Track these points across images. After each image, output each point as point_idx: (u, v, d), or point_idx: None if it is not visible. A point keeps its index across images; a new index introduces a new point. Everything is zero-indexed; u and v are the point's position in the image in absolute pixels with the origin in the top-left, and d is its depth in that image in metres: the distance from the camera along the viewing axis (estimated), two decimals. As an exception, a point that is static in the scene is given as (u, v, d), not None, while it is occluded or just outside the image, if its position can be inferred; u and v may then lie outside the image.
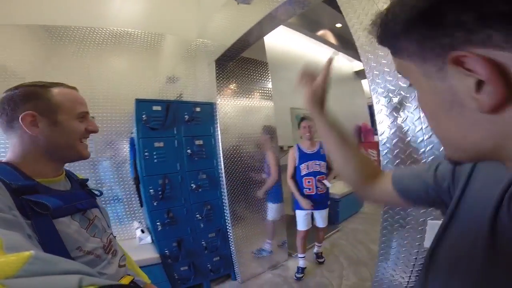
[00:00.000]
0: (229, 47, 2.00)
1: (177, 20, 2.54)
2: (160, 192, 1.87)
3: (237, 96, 2.33)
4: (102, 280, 0.24)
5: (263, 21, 1.63)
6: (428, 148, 0.85)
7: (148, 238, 2.01)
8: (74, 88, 0.72)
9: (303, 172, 2.13)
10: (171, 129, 1.95)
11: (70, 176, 0.76)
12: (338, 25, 3.99)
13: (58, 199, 0.62)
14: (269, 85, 2.57)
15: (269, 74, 2.57)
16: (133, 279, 0.75)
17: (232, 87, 2.32)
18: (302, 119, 2.22)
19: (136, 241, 2.02)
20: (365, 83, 5.71)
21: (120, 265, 0.74)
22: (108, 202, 2.07)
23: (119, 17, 2.31)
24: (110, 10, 2.30)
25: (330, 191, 2.34)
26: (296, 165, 2.17)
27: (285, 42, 3.81)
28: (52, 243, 0.58)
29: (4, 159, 0.63)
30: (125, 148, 2.12)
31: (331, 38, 4.18)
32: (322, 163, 2.14)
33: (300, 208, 2.16)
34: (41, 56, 2.02)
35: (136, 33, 2.30)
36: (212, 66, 2.22)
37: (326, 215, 2.25)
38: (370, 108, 5.35)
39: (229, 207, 2.14)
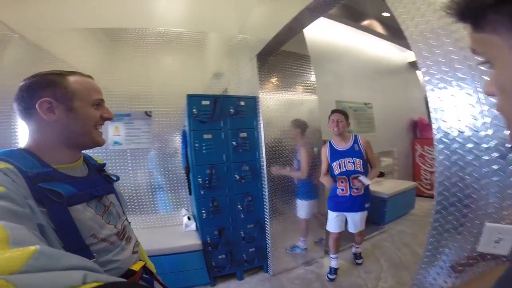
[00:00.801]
0: (269, 42, 2.03)
1: (218, 18, 2.67)
2: (207, 182, 2.02)
3: (279, 90, 2.36)
4: (106, 276, 0.23)
5: (302, 14, 1.63)
6: (492, 144, 0.77)
7: (193, 225, 2.18)
8: (89, 76, 0.72)
9: (336, 171, 2.01)
10: (218, 122, 2.09)
11: (88, 161, 0.76)
12: (385, 14, 3.67)
13: (73, 186, 0.62)
14: (312, 78, 2.53)
15: (311, 67, 2.53)
16: (145, 264, 0.76)
17: (274, 81, 2.35)
18: (332, 111, 2.07)
19: (182, 227, 2.21)
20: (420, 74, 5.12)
21: (134, 251, 0.74)
22: (157, 189, 2.33)
23: (166, 17, 2.54)
24: (157, 12, 2.53)
25: (377, 189, 2.18)
26: (329, 163, 2.06)
27: (329, 34, 3.66)
28: (67, 230, 0.57)
29: (23, 146, 0.64)
30: (176, 140, 2.34)
31: (379, 28, 3.88)
32: (357, 160, 1.95)
33: (332, 209, 2.08)
34: (102, 57, 2.33)
35: (182, 32, 2.49)
36: (254, 61, 2.28)
37: (362, 218, 2.05)
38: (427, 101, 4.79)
39: (269, 200, 2.21)
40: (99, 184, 0.72)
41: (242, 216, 2.16)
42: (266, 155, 2.19)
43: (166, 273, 1.90)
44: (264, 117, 2.22)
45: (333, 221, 2.08)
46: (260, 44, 2.15)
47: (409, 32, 0.94)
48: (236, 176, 2.13)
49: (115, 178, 0.80)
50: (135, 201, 2.30)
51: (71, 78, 0.67)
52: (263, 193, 2.24)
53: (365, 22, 3.82)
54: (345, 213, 2.06)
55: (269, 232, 2.23)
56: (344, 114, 2.04)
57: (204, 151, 2.03)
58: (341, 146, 2.03)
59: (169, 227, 2.29)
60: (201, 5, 2.67)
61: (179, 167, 2.35)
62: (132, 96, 2.30)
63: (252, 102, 2.24)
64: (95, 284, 0.21)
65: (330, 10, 1.64)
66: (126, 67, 2.29)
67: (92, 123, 0.68)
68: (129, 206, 2.28)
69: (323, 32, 3.55)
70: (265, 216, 2.25)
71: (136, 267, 0.71)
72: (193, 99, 2.05)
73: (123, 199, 0.86)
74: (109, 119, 0.72)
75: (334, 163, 2.02)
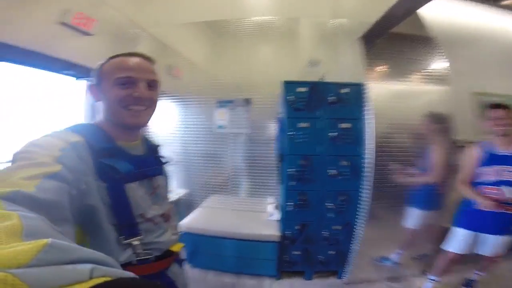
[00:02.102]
0: (375, 24, 1.78)
1: (309, 3, 2.51)
2: (299, 173, 1.91)
3: (391, 78, 1.97)
4: (114, 270, 0.23)
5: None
6: None
7: (277, 215, 2.13)
8: (138, 55, 0.68)
9: (488, 179, 1.55)
10: (315, 110, 1.92)
11: (146, 141, 0.78)
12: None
13: (131, 164, 0.65)
14: (436, 65, 2.03)
15: (435, 52, 2.03)
16: (183, 246, 0.77)
17: (383, 68, 1.98)
18: (493, 106, 1.59)
19: (265, 215, 2.19)
20: None
21: (174, 233, 0.76)
22: (248, 174, 2.43)
23: (258, 6, 2.55)
24: (250, 1, 2.59)
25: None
26: (476, 168, 1.60)
27: (461, 15, 2.90)
28: (121, 207, 0.60)
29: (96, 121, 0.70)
30: (272, 128, 2.38)
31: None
32: None
33: (464, 226, 1.64)
34: (211, 49, 2.57)
35: (273, 20, 2.47)
36: (356, 46, 1.99)
37: (506, 243, 1.59)
38: None
39: (366, 203, 1.90)
40: (152, 164, 0.73)
41: (330, 215, 1.96)
42: (371, 152, 1.83)
43: (234, 256, 1.95)
44: (372, 107, 1.86)
45: (461, 241, 1.65)
46: (361, 27, 1.91)
47: None
48: (331, 171, 1.91)
49: (166, 160, 0.82)
50: (228, 182, 2.48)
51: (113, 60, 0.67)
52: (361, 194, 1.94)
53: (507, 1, 2.91)
54: (484, 234, 1.59)
55: (357, 237, 1.95)
56: (510, 109, 1.55)
57: (298, 141, 1.93)
58: (504, 149, 1.55)
59: (252, 213, 2.32)
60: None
61: (272, 154, 2.36)
62: (235, 84, 2.47)
63: (357, 89, 1.95)
64: (102, 280, 0.20)
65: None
66: (229, 58, 2.49)
67: (117, 103, 0.65)
68: (221, 186, 2.48)
69: (451, 14, 2.84)
70: (358, 219, 1.96)
71: (176, 248, 0.72)
72: (289, 86, 1.98)
73: (168, 182, 0.87)
74: (137, 98, 0.65)
75: (487, 169, 1.56)
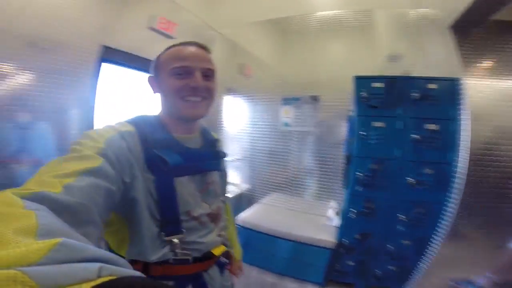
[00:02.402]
0: (466, 12, 1.46)
1: None
2: (368, 178, 1.74)
3: (496, 75, 1.60)
4: (122, 270, 0.22)
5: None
6: None
7: (336, 221, 2.00)
8: (194, 43, 0.66)
9: None
10: (394, 108, 1.70)
11: (204, 134, 0.75)
12: None
13: (182, 157, 0.61)
14: None
15: None
16: (225, 250, 0.71)
17: (485, 63, 1.62)
18: None
19: (323, 219, 2.07)
20: None
21: (219, 234, 0.70)
22: (311, 174, 2.32)
23: (325, 1, 2.40)
24: None
25: None
26: None
27: None
28: (167, 201, 0.57)
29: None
30: (340, 127, 2.22)
31: None
32: None
33: None
34: (277, 47, 2.54)
35: (342, 13, 2.30)
36: (446, 37, 1.67)
37: None
38: None
39: (453, 218, 1.60)
40: (207, 158, 0.71)
41: (401, 228, 1.72)
42: (470, 160, 1.52)
43: (282, 256, 1.90)
44: (470, 108, 1.56)
45: None
46: (449, 16, 1.61)
47: None
48: (410, 178, 1.66)
49: (223, 155, 0.78)
50: (290, 181, 2.42)
51: (169, 50, 0.66)
52: (447, 208, 1.64)
53: None
54: None
55: (431, 255, 1.67)
56: None
57: (371, 142, 1.73)
58: None
59: (310, 215, 2.22)
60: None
61: (338, 156, 2.23)
62: (302, 82, 2.41)
63: (449, 86, 1.65)
64: (108, 278, 0.20)
65: None
66: (297, 55, 2.44)
67: (173, 94, 0.62)
68: (282, 185, 2.43)
69: None
70: (436, 235, 1.68)
71: (217, 251, 0.68)
72: (361, 81, 1.81)
73: (226, 180, 0.83)
74: (193, 88, 0.62)
75: None
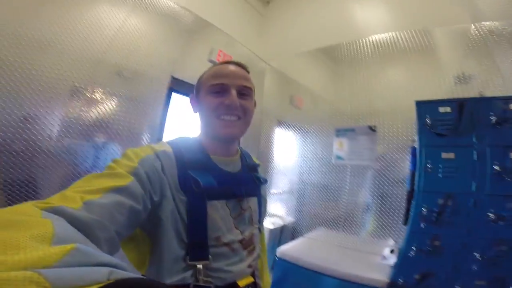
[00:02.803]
0: None
1: (436, 9, 2.10)
2: (435, 214, 1.52)
3: None
4: (130, 274, 0.23)
5: None
6: None
7: (392, 260, 1.77)
8: (233, 63, 0.67)
9: None
10: (467, 136, 1.51)
11: (244, 158, 0.73)
12: None
13: (217, 179, 0.59)
14: None
15: None
16: (252, 281, 0.65)
17: None
18: None
19: (376, 257, 1.87)
20: None
21: (249, 265, 0.65)
22: (365, 210, 2.11)
23: (374, 24, 2.34)
24: (359, 20, 2.42)
25: None
26: None
27: None
28: (197, 224, 0.55)
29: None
30: (400, 159, 2.02)
31: None
32: None
33: None
34: (326, 76, 2.52)
35: (399, 35, 2.18)
36: None
37: None
38: None
39: None
40: (245, 183, 0.68)
41: (475, 268, 1.43)
42: None
43: None
44: None
45: None
46: None
47: None
48: (491, 214, 1.40)
49: (263, 181, 0.75)
50: (340, 216, 2.23)
51: (209, 69, 0.68)
52: None
53: None
54: None
55: None
56: None
57: (439, 175, 1.55)
58: None
59: (362, 253, 2.01)
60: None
61: (397, 190, 2.01)
62: (356, 111, 2.30)
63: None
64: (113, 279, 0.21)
65: None
66: (349, 83, 2.36)
67: (209, 111, 0.63)
68: (332, 220, 2.26)
69: None
70: None
71: (243, 282, 0.62)
72: (425, 107, 1.66)
73: (265, 207, 0.80)
74: (229, 106, 0.61)
75: None
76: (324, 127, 2.44)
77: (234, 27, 2.65)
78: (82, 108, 1.52)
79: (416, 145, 1.73)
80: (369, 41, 2.33)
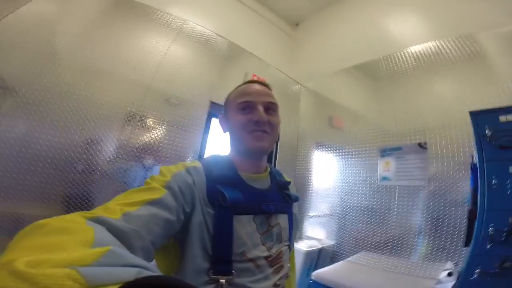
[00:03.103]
0: None
1: (479, 12, 1.96)
2: (505, 233, 1.32)
3: None
4: (157, 274, 0.24)
5: None
6: None
7: (449, 284, 1.54)
8: (257, 82, 0.73)
9: None
10: (539, 145, 1.31)
11: (273, 176, 0.75)
12: None
13: (246, 195, 0.61)
14: None
15: None
16: None
17: None
18: None
19: (431, 282, 1.63)
20: None
21: (276, 284, 0.63)
22: (418, 233, 1.89)
23: (408, 35, 2.25)
24: (394, 33, 2.36)
25: None
26: None
27: None
28: (222, 238, 0.56)
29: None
30: (456, 177, 1.79)
31: None
32: None
33: None
34: (366, 93, 2.43)
35: (439, 44, 2.04)
36: None
37: None
38: None
39: None
40: (274, 200, 0.69)
41: None
42: None
43: None
44: None
45: None
46: None
47: None
48: None
49: (294, 198, 0.75)
50: (388, 240, 2.01)
51: (235, 89, 0.73)
52: None
53: None
54: None
55: None
56: None
57: (508, 192, 1.33)
58: None
59: (413, 277, 1.77)
60: (445, 5, 2.12)
61: (455, 211, 1.77)
62: (401, 128, 2.14)
63: None
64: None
65: None
66: (389, 99, 2.25)
67: (240, 128, 0.67)
68: (377, 243, 2.05)
69: None
70: None
71: None
72: (482, 117, 1.50)
73: (297, 224, 0.81)
74: (257, 121, 0.65)
75: None
76: (367, 147, 2.30)
77: (265, 51, 2.79)
78: (134, 131, 1.68)
79: (475, 160, 1.55)
80: (408, 53, 2.21)
